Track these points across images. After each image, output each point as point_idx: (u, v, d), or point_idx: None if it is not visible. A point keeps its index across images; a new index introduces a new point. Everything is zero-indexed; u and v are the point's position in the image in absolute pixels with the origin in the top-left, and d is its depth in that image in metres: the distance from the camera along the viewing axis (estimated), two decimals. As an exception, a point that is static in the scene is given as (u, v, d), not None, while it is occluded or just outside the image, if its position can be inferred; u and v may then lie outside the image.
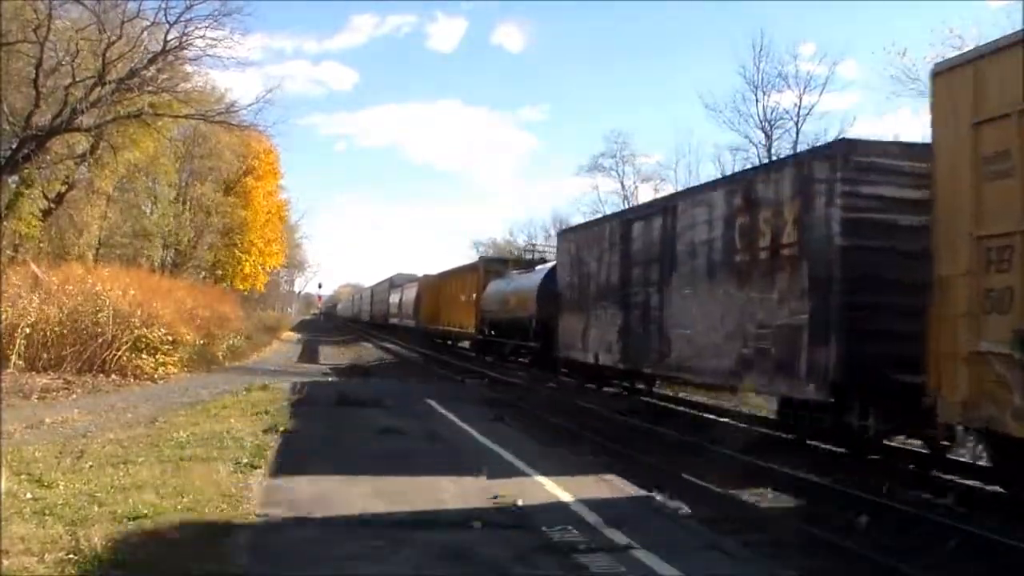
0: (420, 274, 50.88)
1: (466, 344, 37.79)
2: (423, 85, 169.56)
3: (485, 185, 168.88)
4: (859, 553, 7.09)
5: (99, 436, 10.75)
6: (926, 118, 8.69)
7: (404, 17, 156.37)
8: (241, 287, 50.57)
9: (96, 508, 6.68)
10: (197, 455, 9.21)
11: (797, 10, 79.63)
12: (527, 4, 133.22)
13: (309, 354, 37.25)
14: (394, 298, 55.68)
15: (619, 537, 6.65)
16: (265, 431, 11.39)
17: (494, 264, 33.30)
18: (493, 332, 29.51)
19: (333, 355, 37.33)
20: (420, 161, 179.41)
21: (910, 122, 61.41)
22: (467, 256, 65.43)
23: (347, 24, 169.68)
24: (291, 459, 9.67)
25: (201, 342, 24.40)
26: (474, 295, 31.98)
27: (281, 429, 11.65)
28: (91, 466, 8.47)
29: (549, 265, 25.31)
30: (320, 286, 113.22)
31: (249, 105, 28.67)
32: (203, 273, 44.97)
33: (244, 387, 17.77)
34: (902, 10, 69.38)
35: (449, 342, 41.58)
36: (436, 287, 41.61)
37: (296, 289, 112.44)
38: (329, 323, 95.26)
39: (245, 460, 9.03)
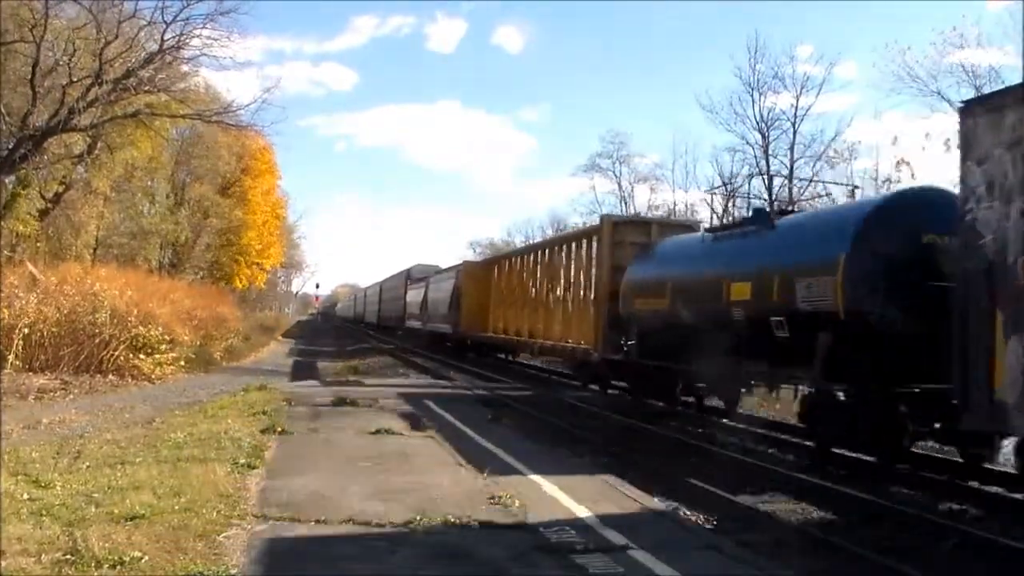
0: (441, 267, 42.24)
1: (550, 363, 27.12)
2: (423, 86, 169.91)
3: (484, 186, 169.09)
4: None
5: (96, 436, 10.75)
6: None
7: (404, 18, 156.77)
8: (239, 286, 50.61)
9: (93, 508, 6.66)
10: (194, 456, 9.17)
11: (794, 11, 79.60)
12: (526, 4, 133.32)
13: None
14: (414, 295, 44.18)
15: None
16: (263, 431, 11.35)
17: (630, 228, 19.34)
18: (647, 354, 16.37)
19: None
20: (419, 161, 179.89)
21: (905, 126, 61.62)
22: (463, 257, 64.69)
23: (347, 25, 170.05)
24: (289, 459, 9.65)
25: (199, 342, 24.39)
26: (592, 282, 19.45)
27: (279, 429, 11.62)
28: (88, 466, 8.46)
29: (871, 201, 12.87)
30: (318, 286, 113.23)
31: (247, 105, 28.64)
32: (201, 273, 44.96)
33: (242, 388, 17.75)
34: (901, 10, 69.43)
35: (505, 356, 31.30)
36: (487, 276, 29.95)
37: (294, 289, 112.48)
38: (327, 324, 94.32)
39: (243, 460, 8.99)
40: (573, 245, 21.93)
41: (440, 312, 35.69)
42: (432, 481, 8.68)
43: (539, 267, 24.39)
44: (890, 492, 9.95)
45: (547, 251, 24.39)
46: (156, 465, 8.57)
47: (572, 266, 21.64)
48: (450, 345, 34.43)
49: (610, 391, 19.28)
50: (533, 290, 24.36)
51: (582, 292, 20.41)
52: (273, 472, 8.82)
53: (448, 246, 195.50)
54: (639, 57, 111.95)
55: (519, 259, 27.13)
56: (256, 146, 42.24)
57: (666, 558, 6.08)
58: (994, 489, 10.01)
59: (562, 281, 22.22)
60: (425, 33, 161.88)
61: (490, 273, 29.87)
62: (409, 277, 47.14)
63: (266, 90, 41.92)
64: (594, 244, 19.77)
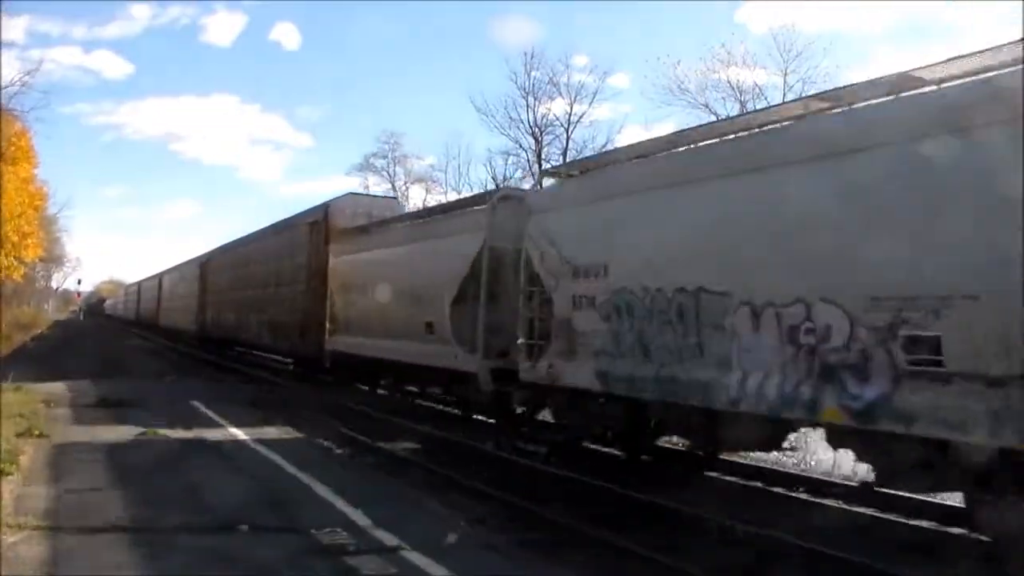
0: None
1: None
2: (199, 79, 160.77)
3: (258, 183, 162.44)
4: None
5: None
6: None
7: (183, 8, 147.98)
8: (-1, 278, 46.53)
9: None
10: (-62, 463, 8.46)
11: (569, 18, 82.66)
12: (307, 4, 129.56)
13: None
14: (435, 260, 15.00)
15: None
16: (19, 435, 10.52)
17: None
18: None
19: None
20: (191, 156, 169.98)
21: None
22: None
23: (124, 12, 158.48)
24: (48, 464, 9.21)
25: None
26: None
27: (36, 433, 10.96)
28: None
29: None
30: (80, 282, 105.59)
31: (5, 87, 26.45)
32: (-53, 266, 40.93)
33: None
34: (671, 27, 73.94)
35: None
36: None
37: (54, 285, 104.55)
38: (91, 325, 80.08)
39: (-5, 467, 8.42)
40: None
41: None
42: (202, 483, 8.54)
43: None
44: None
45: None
46: None
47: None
48: None
49: None
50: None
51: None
52: (30, 478, 8.36)
53: (219, 242, 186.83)
54: (416, 58, 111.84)
55: None
56: (12, 131, 39.00)
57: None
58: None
59: None
60: (204, 25, 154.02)
61: None
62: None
63: (26, 72, 38.58)
64: None
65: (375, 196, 28.38)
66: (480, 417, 14.50)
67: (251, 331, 28.37)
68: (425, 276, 14.65)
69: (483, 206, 14.09)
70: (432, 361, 14.37)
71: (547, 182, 12.23)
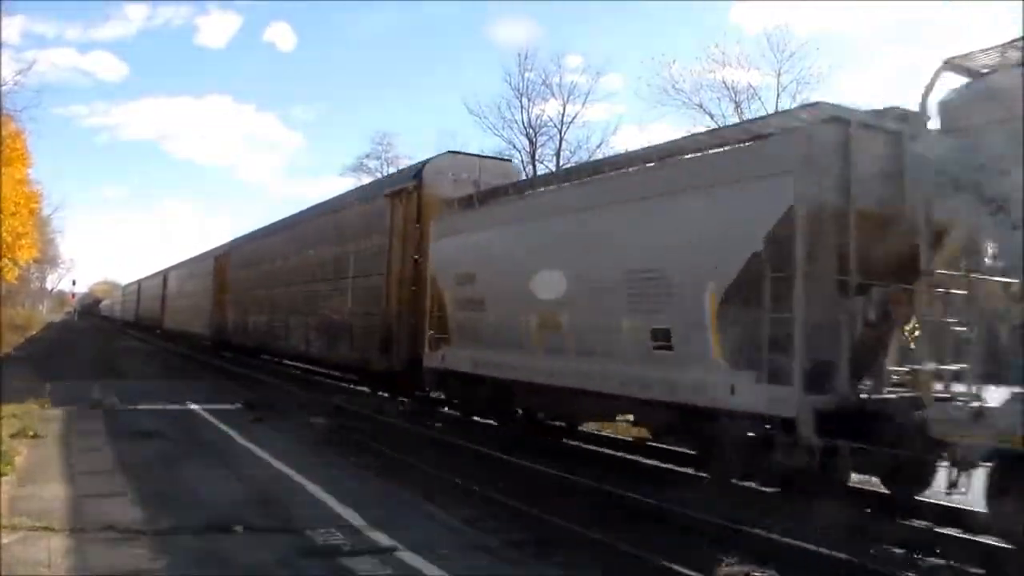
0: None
1: None
2: (193, 79, 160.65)
3: (252, 184, 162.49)
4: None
5: None
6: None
7: (177, 9, 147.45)
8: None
9: None
10: (-69, 464, 8.35)
11: (565, 19, 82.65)
12: (302, 4, 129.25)
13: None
14: None
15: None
16: (13, 436, 10.48)
17: None
18: None
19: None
20: (186, 157, 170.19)
21: (670, 135, 65.02)
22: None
23: (119, 13, 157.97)
24: (43, 465, 9.11)
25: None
26: None
27: (31, 434, 10.89)
28: None
29: None
30: (74, 283, 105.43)
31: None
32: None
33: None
34: (666, 27, 73.95)
35: None
36: None
37: (48, 286, 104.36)
38: (87, 327, 75.36)
39: (-11, 467, 8.30)
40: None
41: None
42: (197, 485, 8.47)
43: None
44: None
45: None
46: None
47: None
48: None
49: None
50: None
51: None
52: (25, 479, 8.28)
53: (215, 243, 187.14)
54: (410, 59, 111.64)
55: None
56: (7, 132, 38.84)
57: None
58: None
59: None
60: (197, 25, 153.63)
61: None
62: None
63: (18, 72, 38.35)
64: None
65: (481, 156, 20.12)
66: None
67: (292, 337, 22.99)
68: (653, 258, 9.33)
69: (766, 138, 8.49)
70: (667, 394, 9.06)
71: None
